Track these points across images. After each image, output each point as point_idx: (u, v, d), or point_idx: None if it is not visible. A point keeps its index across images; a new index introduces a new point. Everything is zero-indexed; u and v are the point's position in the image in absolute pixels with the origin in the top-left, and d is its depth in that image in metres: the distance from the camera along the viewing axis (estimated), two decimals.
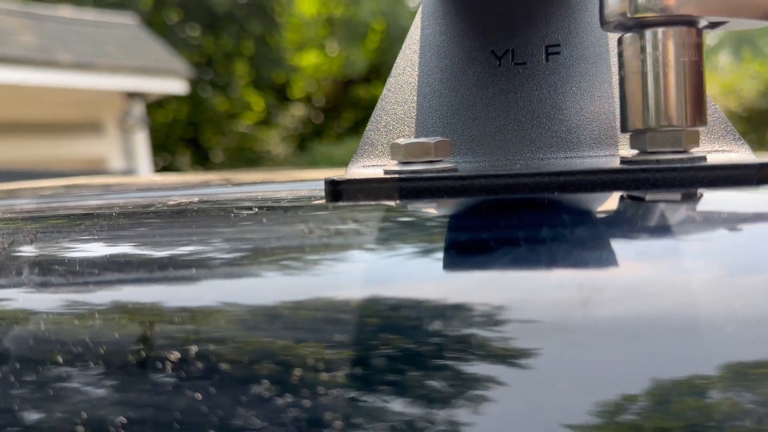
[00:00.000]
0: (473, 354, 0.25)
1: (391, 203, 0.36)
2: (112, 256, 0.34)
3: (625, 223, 0.32)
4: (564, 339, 0.25)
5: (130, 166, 7.22)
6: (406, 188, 0.37)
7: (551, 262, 0.28)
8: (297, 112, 13.51)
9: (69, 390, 0.28)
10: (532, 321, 0.26)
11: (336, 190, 0.38)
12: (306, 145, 12.27)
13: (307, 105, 13.66)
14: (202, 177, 0.82)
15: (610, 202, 0.34)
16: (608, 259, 0.28)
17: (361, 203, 0.37)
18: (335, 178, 0.38)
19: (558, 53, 0.42)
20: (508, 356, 0.25)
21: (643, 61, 0.34)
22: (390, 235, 0.33)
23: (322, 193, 0.39)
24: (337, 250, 0.31)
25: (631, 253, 0.29)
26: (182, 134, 12.12)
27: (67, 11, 7.65)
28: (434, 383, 0.25)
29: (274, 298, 0.29)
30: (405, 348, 0.26)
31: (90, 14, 7.78)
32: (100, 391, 0.27)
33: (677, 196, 0.34)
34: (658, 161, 0.34)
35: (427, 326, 0.26)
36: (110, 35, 7.30)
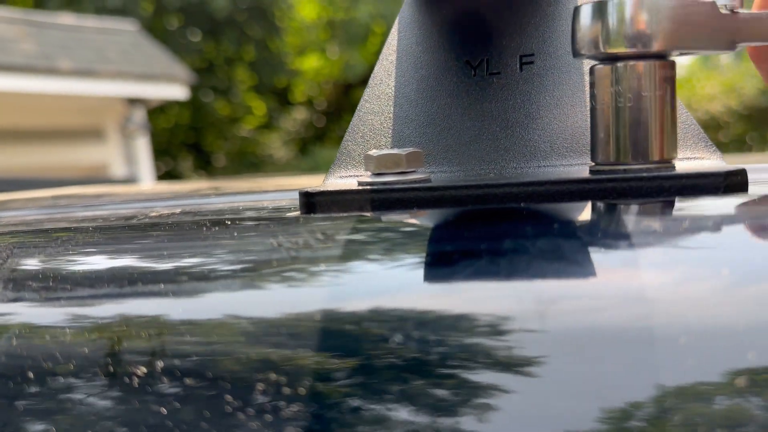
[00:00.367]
0: (465, 364, 0.25)
1: (367, 214, 0.37)
2: (86, 270, 0.34)
3: (608, 230, 0.32)
4: (555, 347, 0.25)
5: (132, 172, 7.24)
6: (378, 200, 0.37)
7: (536, 271, 0.28)
8: (298, 115, 13.53)
9: (45, 407, 0.28)
10: (526, 331, 0.26)
11: (310, 202, 0.38)
12: (308, 148, 12.29)
13: (309, 109, 13.68)
14: (192, 186, 0.82)
15: (592, 209, 0.35)
16: (593, 267, 0.28)
17: (334, 215, 0.37)
18: (309, 189, 0.38)
19: (532, 63, 0.43)
20: (501, 366, 0.25)
21: (615, 95, 0.34)
22: (365, 246, 0.33)
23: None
24: (308, 263, 0.31)
25: (611, 260, 0.29)
26: (184, 139, 12.14)
27: (67, 18, 7.68)
28: (424, 394, 0.25)
29: (246, 311, 0.29)
30: (393, 359, 0.26)
31: (91, 21, 7.80)
32: (77, 406, 0.28)
33: (656, 201, 0.34)
34: (625, 171, 0.35)
35: (412, 337, 0.26)
36: (111, 42, 7.33)
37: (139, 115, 7.40)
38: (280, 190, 0.61)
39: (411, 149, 0.38)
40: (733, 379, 0.23)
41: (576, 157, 0.41)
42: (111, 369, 0.28)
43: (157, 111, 10.45)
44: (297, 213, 0.39)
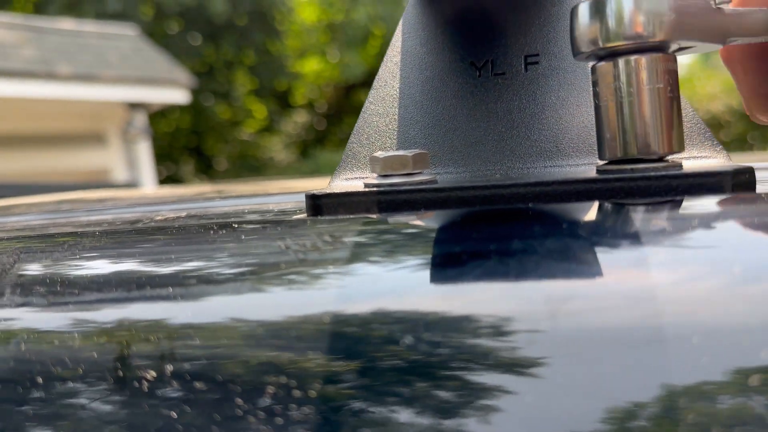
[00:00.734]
0: (471, 365, 0.25)
1: (373, 216, 0.37)
2: (92, 275, 0.34)
3: (616, 230, 0.32)
4: (561, 348, 0.25)
5: (134, 176, 7.24)
6: (385, 201, 0.37)
7: (546, 271, 0.28)
8: (299, 118, 13.54)
9: (55, 411, 0.28)
10: (537, 332, 0.26)
11: (317, 204, 0.38)
12: (309, 151, 12.30)
13: (310, 111, 13.69)
14: (196, 189, 0.82)
15: (597, 209, 0.35)
16: (603, 268, 0.28)
17: (341, 217, 0.37)
18: (315, 192, 0.38)
19: (537, 63, 0.43)
20: (513, 367, 0.25)
21: (618, 90, 0.34)
22: (375, 248, 0.33)
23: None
24: (316, 265, 0.31)
25: (621, 260, 0.29)
26: (185, 143, 12.16)
27: (68, 24, 7.69)
28: (441, 396, 0.25)
29: (254, 314, 0.29)
30: (404, 361, 0.26)
31: (91, 26, 7.82)
32: (88, 411, 0.28)
33: (665, 200, 0.34)
34: (632, 170, 0.34)
35: (424, 338, 0.26)
36: (111, 46, 7.34)
37: (140, 119, 7.41)
38: (285, 193, 0.61)
39: (417, 150, 0.38)
40: (746, 379, 0.23)
41: (582, 156, 0.41)
42: (125, 373, 0.28)
43: (158, 115, 10.46)
44: (304, 215, 0.39)
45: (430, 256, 0.31)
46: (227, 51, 11.44)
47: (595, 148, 0.40)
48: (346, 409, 0.25)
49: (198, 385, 0.27)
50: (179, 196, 0.68)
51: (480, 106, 0.43)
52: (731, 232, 0.31)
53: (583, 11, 0.34)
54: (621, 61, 0.34)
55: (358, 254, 0.32)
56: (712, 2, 0.35)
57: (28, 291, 0.33)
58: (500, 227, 0.33)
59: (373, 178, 0.39)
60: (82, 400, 0.28)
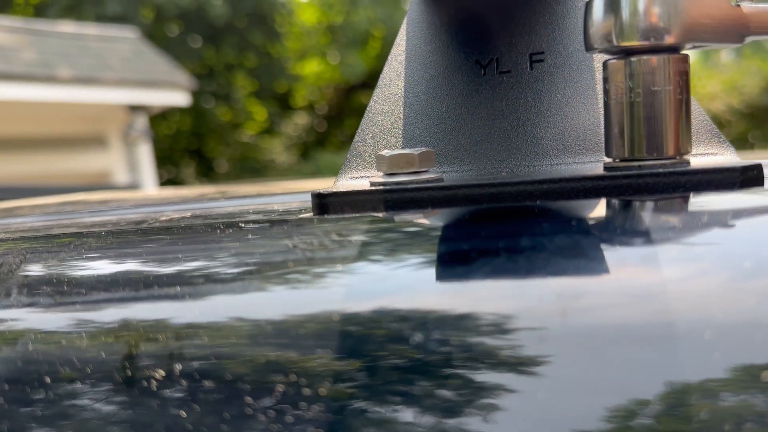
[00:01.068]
0: (475, 364, 0.25)
1: (379, 215, 0.37)
2: (99, 275, 0.34)
3: (625, 227, 0.32)
4: (567, 346, 0.25)
5: (135, 179, 7.24)
6: (392, 200, 0.37)
7: (556, 268, 0.28)
8: (300, 120, 13.54)
9: (64, 410, 0.28)
10: (547, 328, 0.26)
11: (323, 203, 0.38)
12: (309, 153, 12.30)
13: (310, 113, 13.69)
14: (199, 191, 0.82)
15: (605, 206, 0.34)
16: (614, 264, 0.28)
17: (348, 215, 0.37)
18: (321, 191, 0.38)
19: (542, 61, 0.43)
20: (511, 365, 0.25)
21: (628, 89, 0.34)
22: (383, 246, 0.33)
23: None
24: (325, 264, 0.31)
25: (631, 257, 0.29)
26: (186, 145, 12.16)
27: (68, 27, 7.69)
28: (434, 394, 0.25)
29: (262, 313, 0.29)
30: (402, 359, 0.26)
31: (91, 29, 7.82)
32: (97, 409, 0.28)
33: (674, 197, 0.34)
34: (640, 167, 0.34)
35: (422, 336, 0.26)
36: (112, 49, 7.34)
37: (141, 121, 7.41)
38: (289, 193, 0.61)
39: (423, 149, 0.38)
40: (758, 375, 0.23)
41: (588, 154, 0.41)
42: (134, 373, 0.28)
43: (159, 118, 10.46)
44: (310, 214, 0.39)
45: (437, 254, 0.31)
46: (227, 53, 11.44)
47: (602, 145, 0.40)
48: (358, 406, 0.25)
49: (208, 383, 0.27)
50: (183, 197, 0.68)
51: (485, 104, 0.43)
52: (741, 227, 0.31)
53: (598, 6, 0.34)
54: (633, 60, 0.34)
55: (365, 252, 0.32)
56: (732, 1, 0.35)
57: (35, 291, 0.33)
58: (508, 225, 0.33)
59: (379, 177, 0.39)
60: (92, 399, 0.28)
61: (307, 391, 0.26)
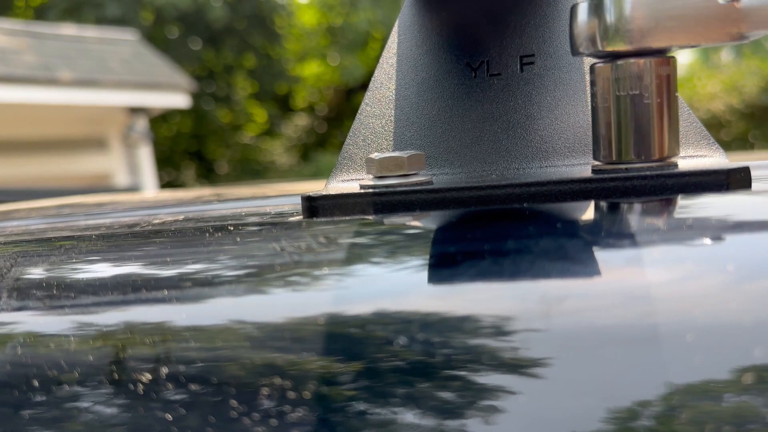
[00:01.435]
0: (467, 365, 0.25)
1: (369, 217, 0.37)
2: (90, 278, 0.34)
3: (612, 230, 0.32)
4: (552, 348, 0.25)
5: (135, 181, 7.25)
6: (381, 202, 0.37)
7: (541, 271, 0.28)
8: (300, 122, 13.55)
9: (53, 414, 0.28)
10: (533, 331, 0.26)
11: (312, 206, 0.38)
12: (310, 154, 12.31)
13: (310, 115, 13.70)
14: (194, 193, 0.82)
15: (593, 208, 0.35)
16: (598, 267, 0.28)
17: (337, 218, 0.37)
18: (311, 194, 0.38)
19: (532, 63, 0.43)
20: (509, 367, 0.25)
21: (616, 92, 0.34)
22: (370, 249, 0.33)
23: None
24: (312, 267, 0.31)
25: (616, 259, 0.29)
26: (186, 147, 12.17)
27: (68, 29, 7.70)
28: (434, 396, 0.25)
29: (250, 316, 0.29)
30: (400, 362, 0.26)
31: (91, 31, 7.83)
32: (86, 413, 0.28)
33: (660, 199, 0.34)
34: (627, 169, 0.34)
35: (419, 339, 0.26)
36: (112, 51, 7.35)
37: (141, 123, 7.41)
38: (283, 196, 0.61)
39: (413, 152, 0.38)
40: (741, 376, 0.23)
41: (578, 157, 0.41)
42: (124, 376, 0.28)
43: (159, 120, 10.48)
44: (299, 217, 0.39)
45: (426, 257, 0.31)
46: (227, 55, 11.45)
47: (591, 147, 0.40)
48: (344, 411, 0.25)
49: (198, 387, 0.27)
50: (177, 200, 0.68)
51: (476, 106, 0.43)
52: (726, 230, 0.31)
53: (583, 11, 0.34)
54: (620, 64, 0.34)
55: (353, 255, 0.32)
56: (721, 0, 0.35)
57: (24, 294, 0.34)
58: (496, 227, 0.33)
59: (369, 180, 0.39)
60: (82, 403, 0.28)
61: (294, 395, 0.26)
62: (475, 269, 0.29)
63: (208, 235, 0.37)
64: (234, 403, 0.26)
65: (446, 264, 0.30)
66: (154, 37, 10.19)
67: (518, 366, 0.25)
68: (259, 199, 0.60)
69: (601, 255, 0.29)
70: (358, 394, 0.25)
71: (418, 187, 0.37)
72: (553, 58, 0.42)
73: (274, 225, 0.38)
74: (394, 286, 0.29)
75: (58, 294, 0.33)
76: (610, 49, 0.33)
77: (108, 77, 6.81)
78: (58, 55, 6.82)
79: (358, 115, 0.45)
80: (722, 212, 0.33)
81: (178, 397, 0.27)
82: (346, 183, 0.43)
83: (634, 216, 0.33)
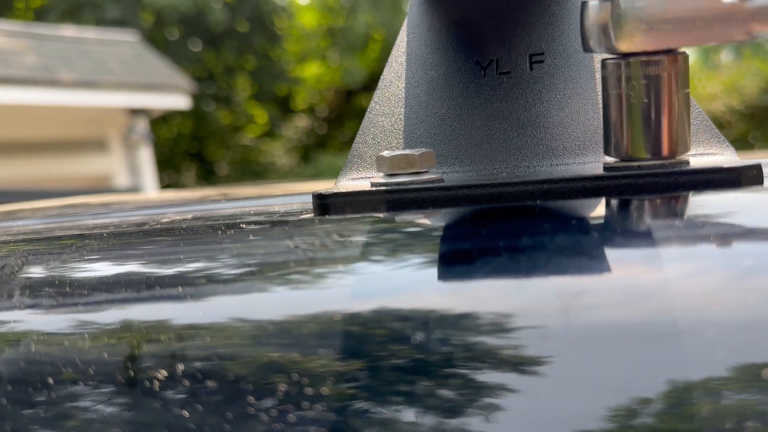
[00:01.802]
0: (477, 363, 0.25)
1: (380, 215, 0.37)
2: (101, 276, 0.34)
3: (625, 227, 0.32)
4: (568, 345, 0.25)
5: (136, 182, 7.24)
6: (392, 200, 0.37)
7: (554, 268, 0.28)
8: (300, 123, 13.56)
9: (68, 411, 0.28)
10: (538, 328, 0.26)
11: (324, 204, 0.38)
12: (310, 156, 12.31)
13: (310, 116, 13.70)
14: (200, 193, 0.82)
15: (605, 206, 0.34)
16: (615, 264, 0.28)
17: (349, 216, 0.37)
18: (322, 192, 0.38)
19: (542, 62, 0.43)
20: (513, 364, 0.25)
21: (628, 89, 0.34)
22: (382, 247, 0.33)
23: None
24: (326, 264, 0.31)
25: (632, 256, 0.29)
26: (187, 149, 12.17)
27: (68, 30, 7.71)
28: (437, 394, 0.25)
29: (265, 313, 0.29)
30: (404, 359, 0.26)
31: (91, 33, 7.83)
32: (102, 409, 0.28)
33: (673, 196, 0.34)
34: (639, 167, 0.34)
35: (424, 336, 0.26)
36: (112, 53, 7.35)
37: (142, 125, 7.42)
38: (290, 195, 0.61)
39: (424, 149, 0.38)
40: (760, 373, 0.23)
41: (588, 154, 0.41)
42: (138, 373, 0.28)
43: (160, 121, 10.47)
44: (311, 215, 0.39)
45: (438, 254, 0.31)
46: (228, 56, 11.45)
47: (602, 145, 0.40)
48: (360, 406, 0.25)
49: (210, 384, 0.27)
50: (184, 200, 0.68)
51: (485, 105, 0.43)
52: (741, 227, 0.31)
53: (594, 7, 0.34)
54: (632, 61, 0.34)
55: (367, 253, 0.32)
56: None
57: (37, 292, 0.34)
58: (508, 225, 0.33)
59: (379, 178, 0.39)
60: (95, 401, 0.28)
61: (309, 391, 0.26)
62: (488, 266, 0.29)
63: (219, 233, 0.37)
64: (251, 399, 0.26)
65: (460, 261, 0.30)
66: (155, 39, 10.20)
67: (534, 363, 0.25)
68: (267, 198, 0.60)
69: (615, 252, 0.29)
70: (374, 391, 0.25)
71: (430, 185, 0.37)
72: (562, 56, 0.42)
73: (286, 223, 0.38)
74: (408, 283, 0.29)
75: (71, 291, 0.33)
76: (622, 45, 0.33)
77: (108, 78, 6.81)
78: (59, 56, 6.82)
79: (367, 114, 0.45)
80: (735, 209, 0.33)
81: (195, 394, 0.27)
82: (357, 181, 0.43)
83: (648, 213, 0.33)
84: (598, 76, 0.41)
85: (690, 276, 0.27)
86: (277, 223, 0.39)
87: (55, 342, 0.30)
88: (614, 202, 0.34)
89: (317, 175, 10.02)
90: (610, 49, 0.34)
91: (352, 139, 0.45)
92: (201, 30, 10.93)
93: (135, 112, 7.28)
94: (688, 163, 0.35)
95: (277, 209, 0.46)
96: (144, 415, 0.27)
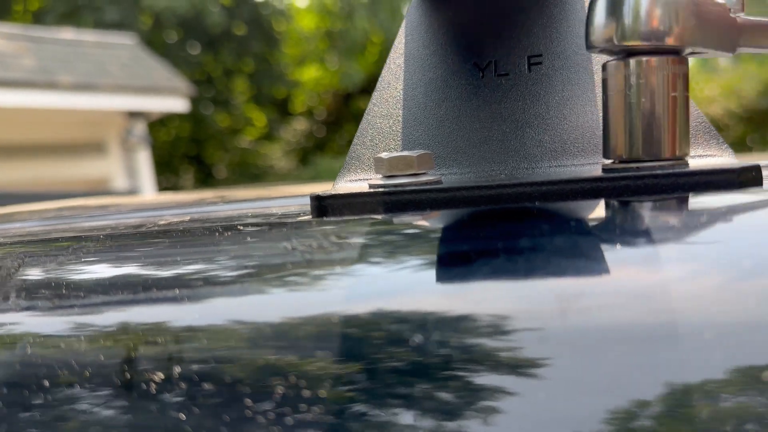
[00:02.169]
0: (475, 366, 0.25)
1: (378, 217, 0.37)
2: (98, 278, 0.34)
3: (624, 229, 0.32)
4: (566, 347, 0.25)
5: (134, 185, 7.24)
6: (391, 202, 0.37)
7: (552, 270, 0.28)
8: (299, 126, 13.57)
9: (63, 413, 0.28)
10: (547, 329, 0.26)
11: (321, 206, 0.38)
12: (308, 158, 12.32)
13: (309, 119, 13.72)
14: (197, 195, 0.82)
15: (604, 207, 0.34)
16: (613, 265, 0.28)
17: (347, 218, 0.37)
18: (320, 193, 0.38)
19: (540, 63, 0.43)
20: (511, 367, 0.25)
21: (629, 90, 0.34)
22: (382, 248, 0.33)
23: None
24: (324, 266, 0.31)
25: (631, 257, 0.29)
26: (185, 151, 12.18)
27: (67, 33, 7.71)
28: (434, 397, 0.25)
29: (262, 316, 0.29)
30: (402, 362, 0.26)
31: (90, 35, 7.83)
32: (97, 412, 0.27)
33: (672, 198, 0.34)
34: (638, 168, 0.34)
35: (422, 339, 0.26)
36: (111, 56, 7.35)
37: (140, 128, 7.41)
38: (288, 197, 0.61)
39: (422, 151, 0.38)
40: (757, 376, 0.23)
41: (587, 156, 0.41)
42: (135, 376, 0.28)
43: (158, 124, 10.47)
44: (309, 217, 0.39)
45: (437, 256, 0.31)
46: (226, 59, 11.46)
47: (600, 147, 0.40)
48: (357, 409, 0.25)
49: (207, 386, 0.27)
50: (181, 202, 0.68)
51: (484, 106, 0.43)
52: (740, 228, 0.31)
53: (601, 6, 0.34)
54: (633, 61, 0.34)
55: (365, 254, 0.32)
56: (730, 11, 0.35)
57: (33, 294, 0.33)
58: (506, 227, 0.33)
59: (377, 179, 0.39)
60: (91, 403, 0.28)
61: (306, 394, 0.25)
62: (486, 268, 0.29)
63: (217, 234, 0.37)
64: (248, 402, 0.26)
65: (457, 263, 0.30)
66: (153, 42, 10.20)
67: (532, 365, 0.25)
68: (264, 200, 0.59)
69: (614, 254, 0.29)
70: (372, 393, 0.25)
71: (428, 187, 0.36)
72: (560, 58, 0.42)
73: (284, 225, 0.38)
74: (406, 284, 0.29)
75: (67, 293, 0.33)
76: (626, 44, 0.33)
77: (107, 81, 6.81)
78: (57, 59, 6.82)
79: (365, 116, 0.45)
80: (735, 210, 0.32)
81: (192, 398, 0.27)
82: (355, 183, 0.43)
83: (647, 214, 0.33)
84: (597, 77, 0.41)
85: (689, 278, 0.27)
86: (275, 225, 0.39)
87: (50, 345, 0.30)
88: (613, 203, 0.34)
89: (316, 178, 10.02)
90: (614, 48, 0.34)
91: (351, 142, 0.45)
92: (199, 33, 10.94)
93: (133, 115, 7.29)
94: (687, 164, 0.35)
95: (274, 211, 0.46)
96: (138, 418, 0.27)
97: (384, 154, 0.38)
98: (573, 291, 0.27)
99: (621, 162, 0.35)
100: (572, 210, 0.34)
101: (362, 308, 0.28)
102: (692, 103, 0.39)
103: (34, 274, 0.36)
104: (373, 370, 0.26)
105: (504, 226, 0.33)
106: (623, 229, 0.32)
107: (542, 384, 0.24)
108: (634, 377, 0.24)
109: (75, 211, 0.68)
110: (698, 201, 0.33)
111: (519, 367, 0.25)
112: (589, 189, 0.35)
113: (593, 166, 0.39)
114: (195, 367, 0.27)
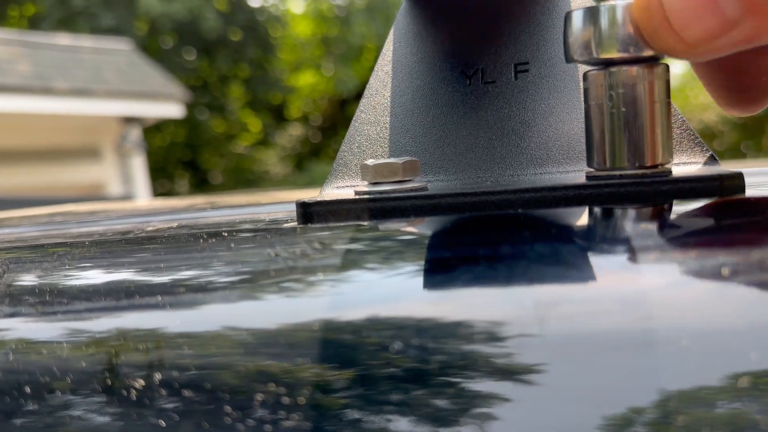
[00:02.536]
0: (463, 372, 0.25)
1: (364, 224, 0.37)
2: (83, 285, 0.34)
3: (607, 236, 0.32)
4: (549, 354, 0.25)
5: (129, 190, 7.24)
6: (376, 208, 0.37)
7: (535, 277, 0.28)
8: (294, 131, 13.58)
9: (45, 423, 0.28)
10: (527, 337, 0.26)
11: (307, 213, 0.38)
12: (304, 164, 12.34)
13: (304, 125, 13.74)
14: (187, 201, 0.82)
15: (587, 214, 0.35)
16: (592, 272, 0.28)
17: (332, 225, 0.37)
18: (306, 200, 0.38)
19: (527, 71, 0.43)
20: (503, 374, 0.25)
21: (609, 99, 0.34)
22: (364, 255, 0.33)
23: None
24: (307, 273, 0.31)
25: (610, 265, 0.29)
26: (180, 157, 12.18)
27: (63, 39, 7.71)
28: (428, 403, 0.25)
29: (245, 322, 0.29)
30: (394, 369, 0.26)
31: (86, 41, 7.84)
32: (78, 422, 0.27)
33: (654, 205, 0.34)
34: (621, 176, 0.34)
35: (414, 346, 0.26)
36: (106, 61, 7.36)
37: (135, 133, 7.42)
38: (277, 203, 0.61)
39: (407, 158, 0.38)
40: (734, 383, 0.23)
41: (572, 164, 0.41)
42: (117, 384, 0.28)
43: (153, 129, 10.47)
44: (294, 224, 0.39)
45: (421, 263, 0.31)
46: (222, 65, 11.48)
47: (585, 155, 0.40)
48: (337, 419, 0.25)
49: (191, 394, 0.27)
50: (171, 208, 0.68)
51: (470, 114, 0.43)
52: (721, 235, 0.31)
53: (577, 18, 0.34)
54: (613, 71, 0.34)
55: (348, 262, 0.32)
56: None
57: (17, 301, 0.33)
58: (491, 233, 0.33)
59: (363, 186, 0.39)
60: (74, 412, 0.28)
61: (290, 402, 0.25)
62: (469, 275, 0.29)
63: (201, 241, 0.37)
64: (230, 410, 0.26)
65: (441, 270, 0.30)
66: (149, 47, 10.20)
67: (513, 372, 0.25)
68: (253, 207, 0.59)
69: (595, 261, 0.29)
70: (353, 401, 0.25)
71: (413, 194, 0.36)
72: (547, 65, 0.43)
73: (268, 231, 0.38)
74: (389, 291, 0.29)
75: (51, 300, 0.33)
76: (603, 56, 0.33)
77: (102, 87, 6.81)
78: (53, 64, 6.82)
79: (352, 122, 0.46)
80: (717, 218, 0.33)
81: (173, 405, 0.27)
82: (341, 189, 0.43)
83: (629, 222, 0.33)
84: (582, 85, 0.42)
85: (672, 285, 0.27)
86: (260, 232, 0.39)
87: (35, 351, 0.30)
88: (596, 210, 0.34)
89: (311, 184, 10.03)
90: (592, 59, 0.34)
91: None
92: (195, 39, 10.95)
93: (128, 121, 7.29)
94: (670, 172, 0.35)
95: (262, 217, 0.46)
96: (126, 426, 0.27)
97: (370, 161, 0.39)
98: (557, 298, 0.27)
99: (604, 170, 0.36)
100: (556, 217, 0.34)
101: (345, 315, 0.28)
102: (676, 110, 0.39)
103: (18, 280, 0.36)
104: (357, 377, 0.26)
105: (488, 233, 0.33)
106: (606, 237, 0.32)
107: (527, 391, 0.24)
108: (621, 386, 0.24)
109: (66, 216, 0.68)
110: (681, 208, 0.33)
111: (503, 374, 0.25)
112: (573, 196, 0.35)
113: (578, 174, 0.39)
114: (179, 374, 0.27)
